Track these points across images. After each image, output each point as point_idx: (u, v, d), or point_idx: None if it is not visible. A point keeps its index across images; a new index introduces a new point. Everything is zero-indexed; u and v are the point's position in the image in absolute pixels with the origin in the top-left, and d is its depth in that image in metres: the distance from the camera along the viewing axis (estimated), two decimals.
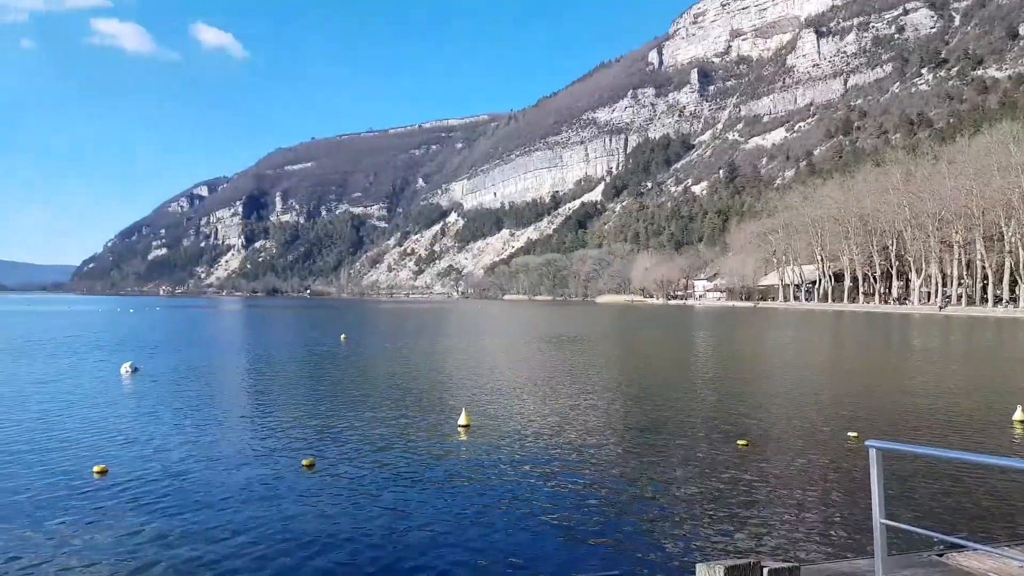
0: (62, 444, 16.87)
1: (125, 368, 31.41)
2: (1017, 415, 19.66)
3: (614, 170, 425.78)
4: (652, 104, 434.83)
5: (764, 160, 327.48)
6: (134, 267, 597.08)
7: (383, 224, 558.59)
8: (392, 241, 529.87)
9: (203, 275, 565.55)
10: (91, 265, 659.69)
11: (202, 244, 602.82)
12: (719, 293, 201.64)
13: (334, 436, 18.04)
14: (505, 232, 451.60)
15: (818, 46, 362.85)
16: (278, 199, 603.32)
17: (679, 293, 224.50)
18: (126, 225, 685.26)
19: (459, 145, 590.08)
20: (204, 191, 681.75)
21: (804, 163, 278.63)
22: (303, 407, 23.19)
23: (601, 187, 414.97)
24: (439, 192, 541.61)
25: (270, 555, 9.93)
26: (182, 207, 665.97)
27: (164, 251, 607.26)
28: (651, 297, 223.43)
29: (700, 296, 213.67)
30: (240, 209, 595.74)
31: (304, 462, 14.96)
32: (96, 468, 14.19)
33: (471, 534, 10.81)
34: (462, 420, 19.37)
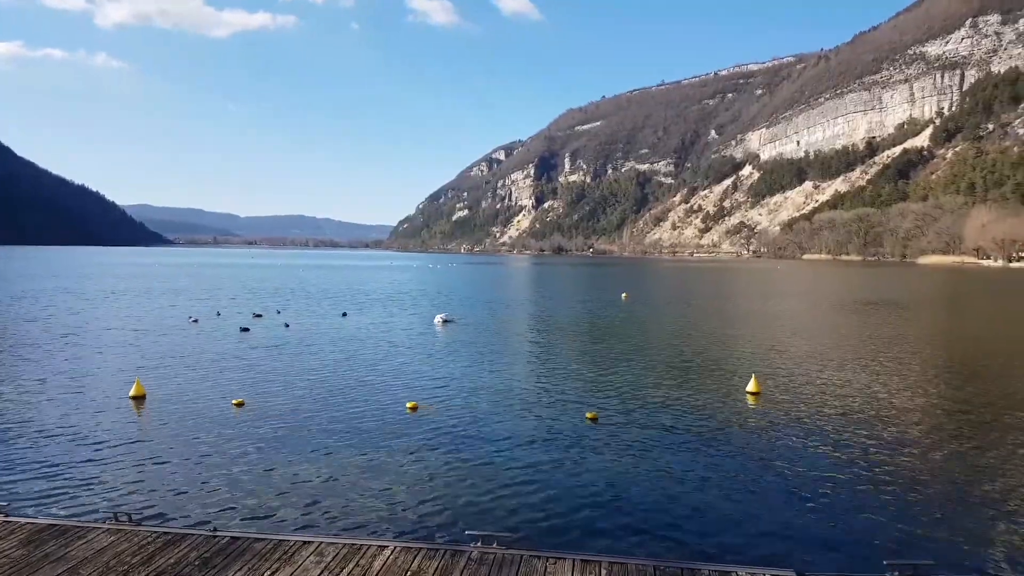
0: (385, 383, 20.14)
1: (438, 319, 36.38)
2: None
3: (946, 111, 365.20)
4: (997, 33, 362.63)
5: None
6: (440, 227, 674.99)
7: (669, 180, 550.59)
8: (678, 198, 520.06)
9: (498, 234, 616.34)
10: (405, 225, 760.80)
11: (498, 205, 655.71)
12: None
13: (616, 393, 18.74)
14: (807, 185, 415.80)
15: None
16: (567, 159, 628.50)
17: None
18: (435, 189, 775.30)
19: (759, 91, 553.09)
20: (501, 155, 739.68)
21: None
22: (586, 362, 24.43)
23: (929, 131, 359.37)
24: (733, 143, 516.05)
25: (551, 494, 10.79)
26: (482, 171, 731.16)
27: (466, 212, 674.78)
28: (987, 258, 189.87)
29: None
30: (532, 171, 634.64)
31: (588, 415, 15.86)
32: (409, 404, 16.73)
33: (747, 507, 10.52)
34: (751, 387, 18.75)
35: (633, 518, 9.98)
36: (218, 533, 7.64)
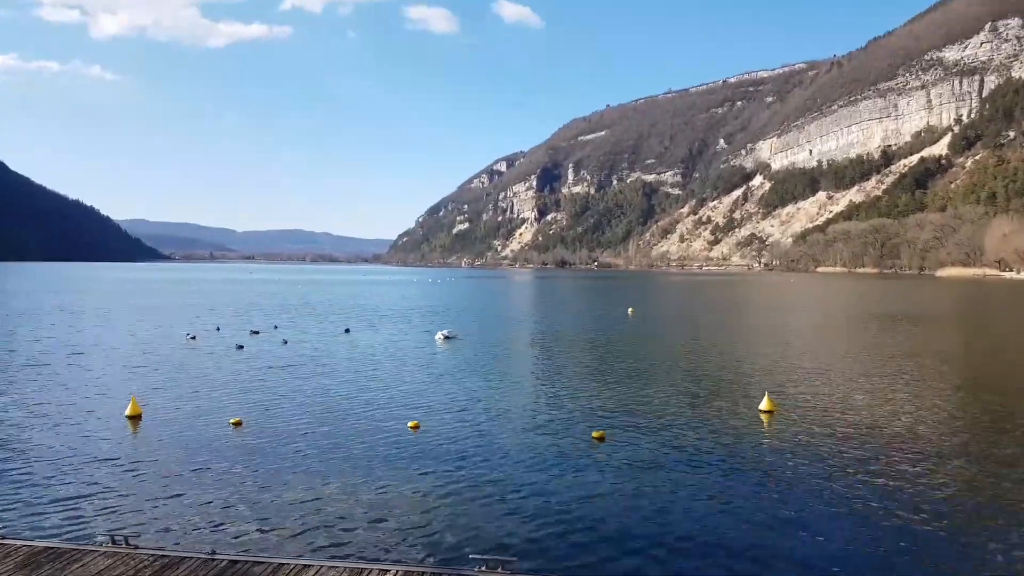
0: (386, 401, 20.19)
1: (440, 336, 36.48)
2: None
3: (964, 118, 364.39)
4: (1017, 37, 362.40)
5: None
6: (440, 240, 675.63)
7: (676, 191, 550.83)
8: (686, 209, 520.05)
9: (499, 248, 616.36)
10: (404, 239, 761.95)
11: (499, 218, 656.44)
12: None
13: (623, 410, 18.73)
14: (820, 195, 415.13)
15: None
16: (570, 170, 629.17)
17: None
18: (434, 202, 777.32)
19: (769, 99, 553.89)
20: (503, 167, 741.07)
21: None
22: (591, 379, 24.45)
23: (947, 139, 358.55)
24: (743, 153, 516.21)
25: (557, 516, 10.77)
26: (483, 183, 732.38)
27: (466, 225, 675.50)
28: (1010, 270, 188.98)
29: None
30: (534, 182, 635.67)
31: (594, 434, 15.84)
32: (411, 424, 16.79)
33: (760, 530, 10.48)
34: (764, 406, 18.70)
35: (641, 541, 9.96)
36: (216, 556, 7.68)
